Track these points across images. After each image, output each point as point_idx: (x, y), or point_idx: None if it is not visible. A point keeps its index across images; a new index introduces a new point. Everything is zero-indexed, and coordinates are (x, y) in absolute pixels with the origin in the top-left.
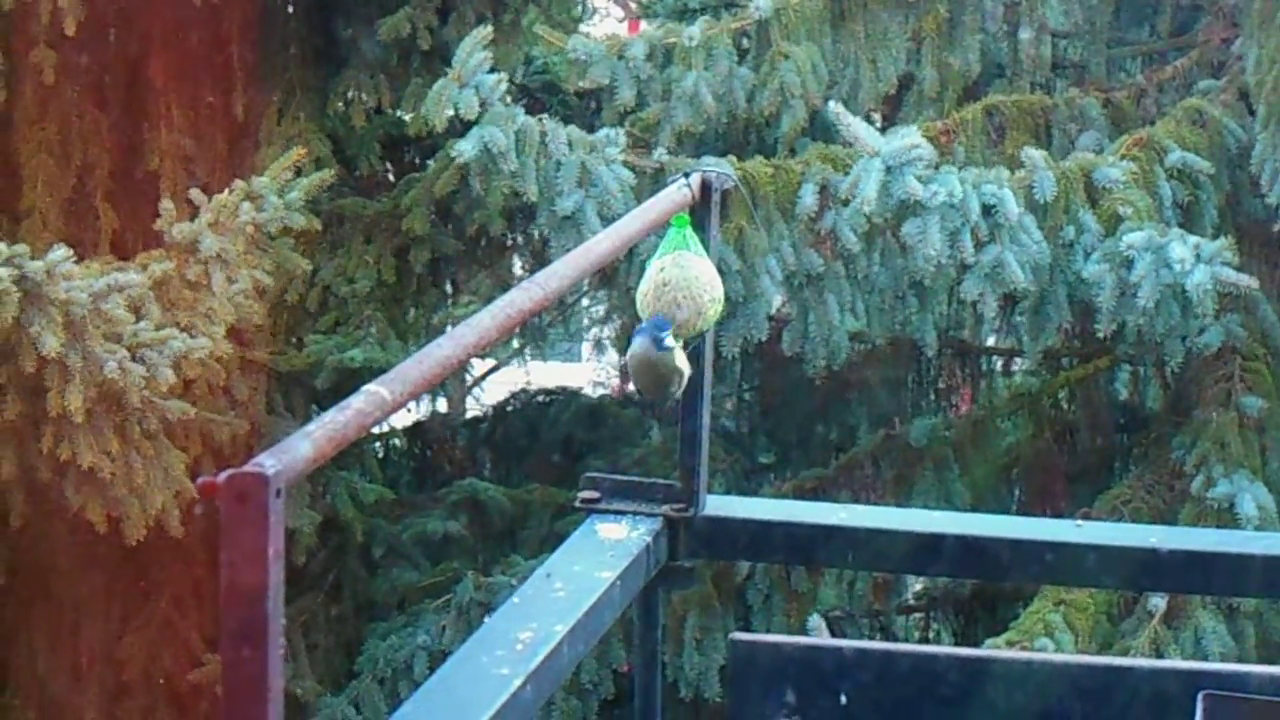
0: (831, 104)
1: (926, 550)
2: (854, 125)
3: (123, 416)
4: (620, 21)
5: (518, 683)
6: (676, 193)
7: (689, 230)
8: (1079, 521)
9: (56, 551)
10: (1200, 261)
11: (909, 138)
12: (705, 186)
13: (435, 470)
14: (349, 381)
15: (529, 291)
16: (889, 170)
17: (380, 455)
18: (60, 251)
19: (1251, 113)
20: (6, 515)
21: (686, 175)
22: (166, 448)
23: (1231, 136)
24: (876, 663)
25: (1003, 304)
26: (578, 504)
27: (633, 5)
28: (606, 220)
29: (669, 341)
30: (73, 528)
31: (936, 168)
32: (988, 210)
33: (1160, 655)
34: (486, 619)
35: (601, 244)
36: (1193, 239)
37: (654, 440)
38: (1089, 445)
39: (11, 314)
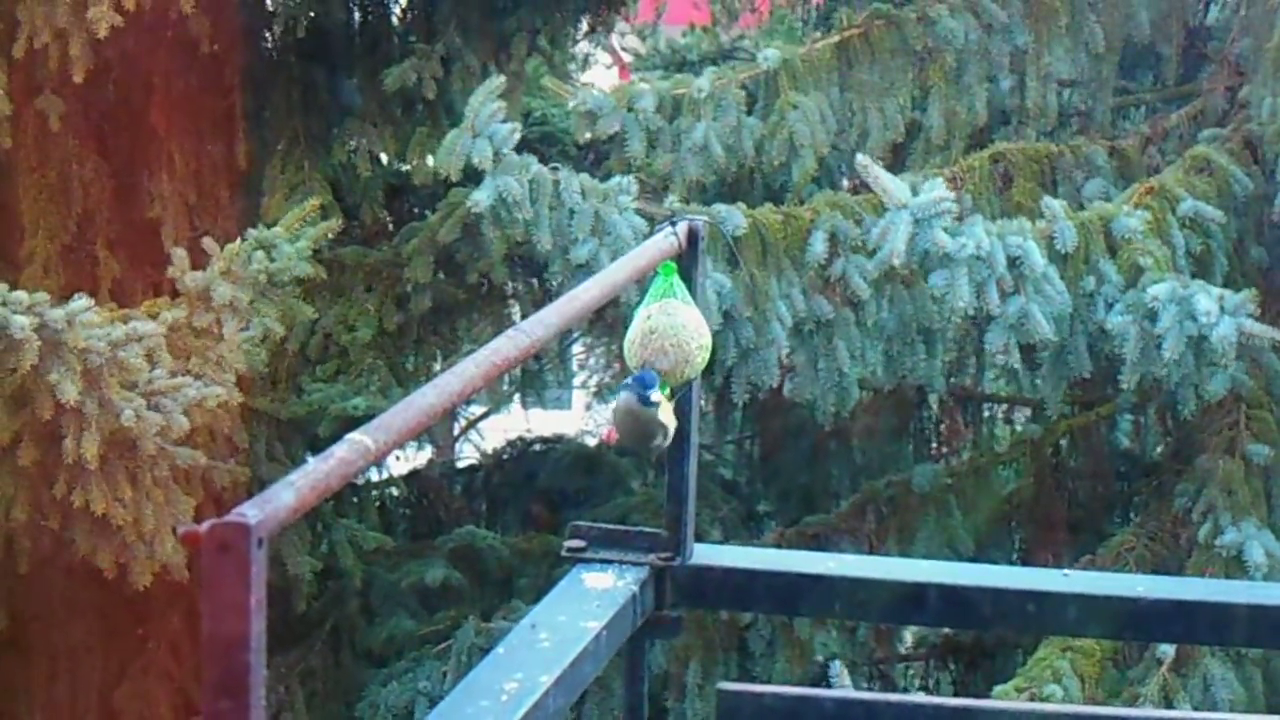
0: (859, 156)
1: (911, 600)
2: (882, 178)
3: (136, 463)
4: (609, 69)
5: None
6: (663, 241)
7: (675, 278)
8: (1067, 571)
9: (57, 598)
10: (1225, 313)
11: (936, 190)
12: (691, 234)
13: (432, 518)
14: (349, 430)
15: (515, 340)
16: (917, 222)
17: (377, 503)
18: (81, 301)
19: (1257, 161)
20: (14, 560)
21: (673, 223)
22: (176, 495)
23: (1238, 184)
24: (861, 714)
25: (1020, 351)
26: (564, 553)
27: (624, 55)
28: None
29: (655, 397)
30: (74, 574)
31: (961, 219)
32: (1013, 261)
33: (1169, 702)
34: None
35: (589, 292)
36: (1216, 290)
37: (650, 488)
38: (1090, 493)
39: (30, 361)
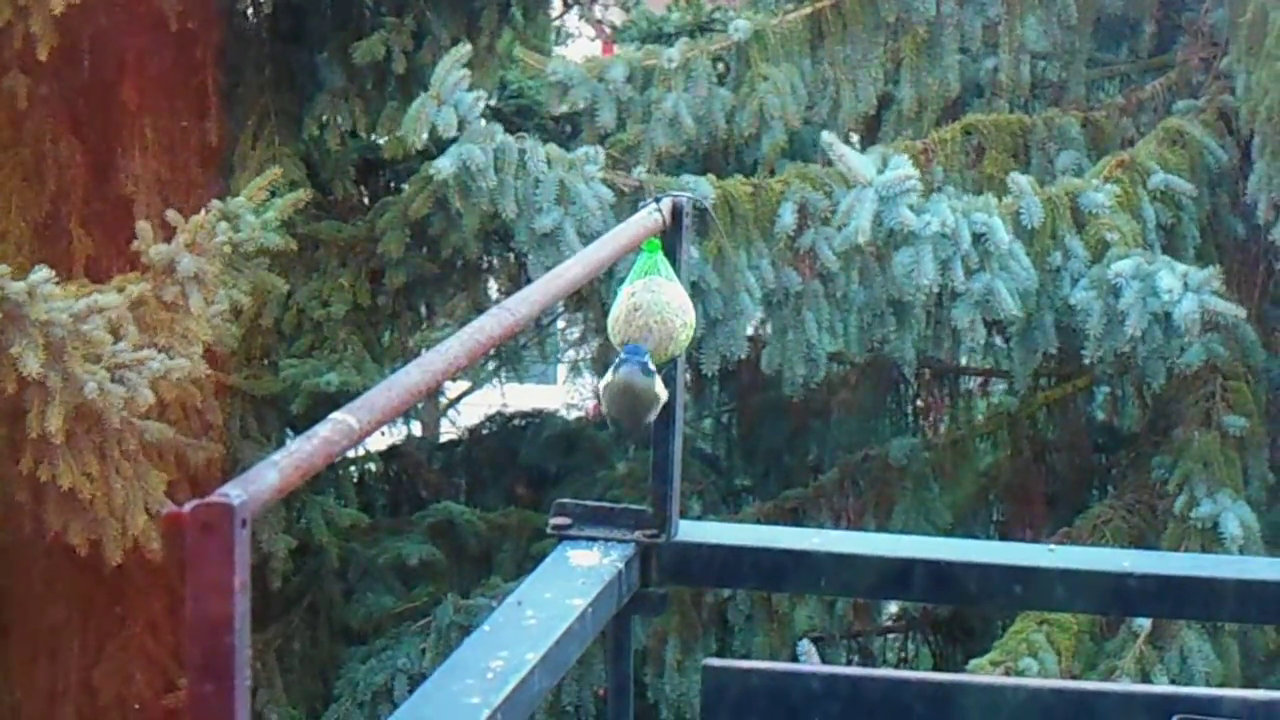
0: (825, 134)
1: (897, 577)
2: (847, 155)
3: (102, 437)
4: (592, 41)
5: (488, 712)
6: (647, 218)
7: (660, 255)
8: (1052, 546)
9: (32, 576)
10: (1188, 290)
11: (901, 168)
12: (676, 211)
13: (410, 494)
14: (324, 406)
15: (499, 317)
16: (882, 200)
17: (355, 479)
18: (42, 272)
19: (1231, 132)
20: None
21: (657, 200)
22: (146, 469)
23: (1211, 156)
24: (847, 690)
25: (987, 326)
26: (549, 530)
27: (607, 29)
28: (585, 238)
29: (651, 365)
30: (49, 552)
31: (927, 195)
32: (978, 238)
33: (1146, 674)
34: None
35: (572, 269)
36: (1181, 267)
37: (630, 463)
38: (1067, 465)
39: None
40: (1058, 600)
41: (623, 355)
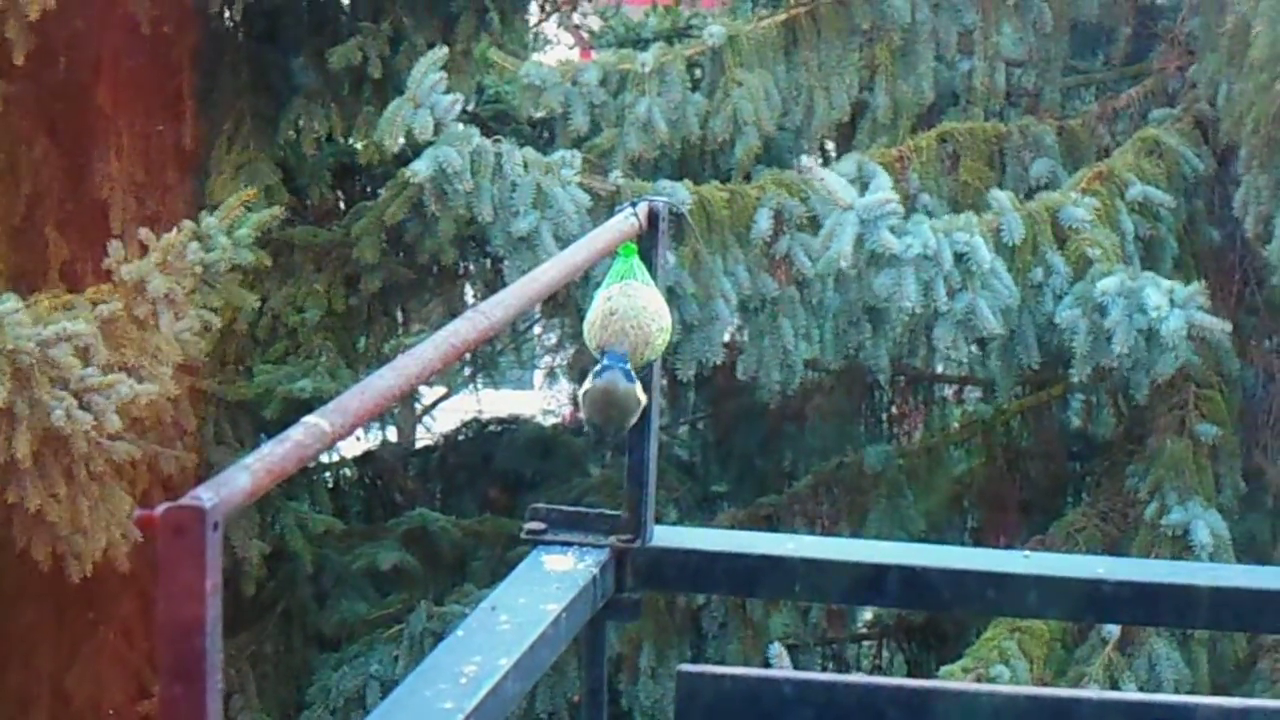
0: (804, 159)
1: (871, 582)
2: (828, 179)
3: (70, 460)
4: (571, 49)
5: (460, 717)
6: (623, 222)
7: (636, 259)
8: (1027, 552)
9: (3, 581)
10: (1175, 306)
11: (882, 191)
12: (652, 216)
13: (385, 500)
14: (298, 412)
15: (473, 321)
16: (863, 223)
17: (330, 485)
18: (9, 302)
19: (1207, 140)
20: None
21: (633, 204)
22: (112, 489)
23: (1188, 165)
24: (821, 696)
25: (968, 342)
26: (523, 535)
27: (584, 34)
28: (562, 242)
29: (633, 373)
30: (19, 560)
31: (908, 215)
32: (960, 258)
33: (1115, 681)
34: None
35: (548, 273)
36: (1166, 283)
37: (606, 469)
38: (1041, 472)
39: None
40: (1031, 606)
41: (604, 362)
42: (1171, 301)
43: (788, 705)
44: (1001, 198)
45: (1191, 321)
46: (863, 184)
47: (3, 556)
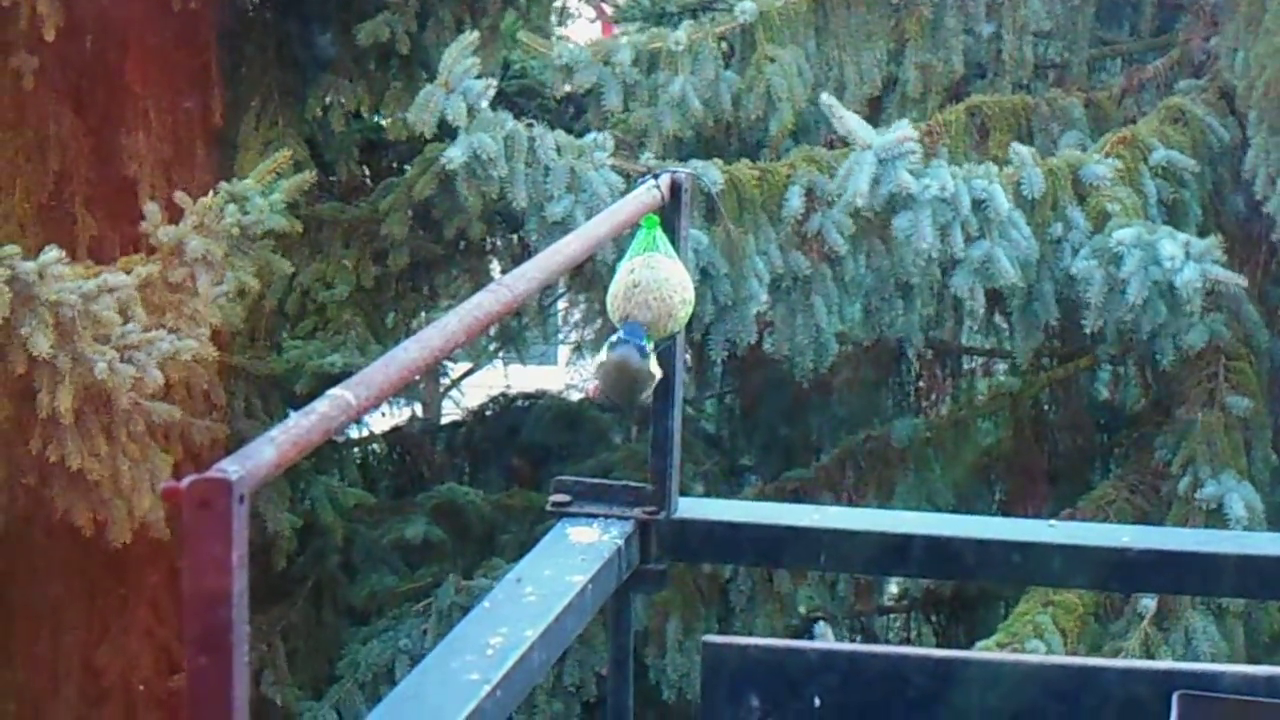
0: (824, 96)
1: (895, 551)
2: (846, 118)
3: (110, 418)
4: (592, 22)
5: (488, 688)
6: (646, 194)
7: (659, 231)
8: (1052, 522)
9: (36, 556)
10: (1190, 259)
11: (901, 131)
12: (675, 187)
13: (414, 475)
14: (329, 386)
15: (496, 294)
16: (881, 163)
17: (359, 460)
18: (52, 253)
19: (1233, 111)
20: None
21: (656, 176)
22: (153, 450)
23: (1214, 135)
24: (845, 665)
25: (988, 302)
26: (549, 507)
27: (607, 8)
28: None
29: (649, 348)
30: (54, 532)
31: (927, 161)
32: (978, 205)
33: (1151, 655)
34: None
35: (571, 245)
36: (1182, 236)
37: (631, 443)
38: (1069, 445)
39: (3, 314)
40: (1056, 574)
41: (619, 336)
42: (1187, 254)
43: (812, 675)
44: (1023, 152)
45: (1207, 274)
46: None
47: (35, 529)
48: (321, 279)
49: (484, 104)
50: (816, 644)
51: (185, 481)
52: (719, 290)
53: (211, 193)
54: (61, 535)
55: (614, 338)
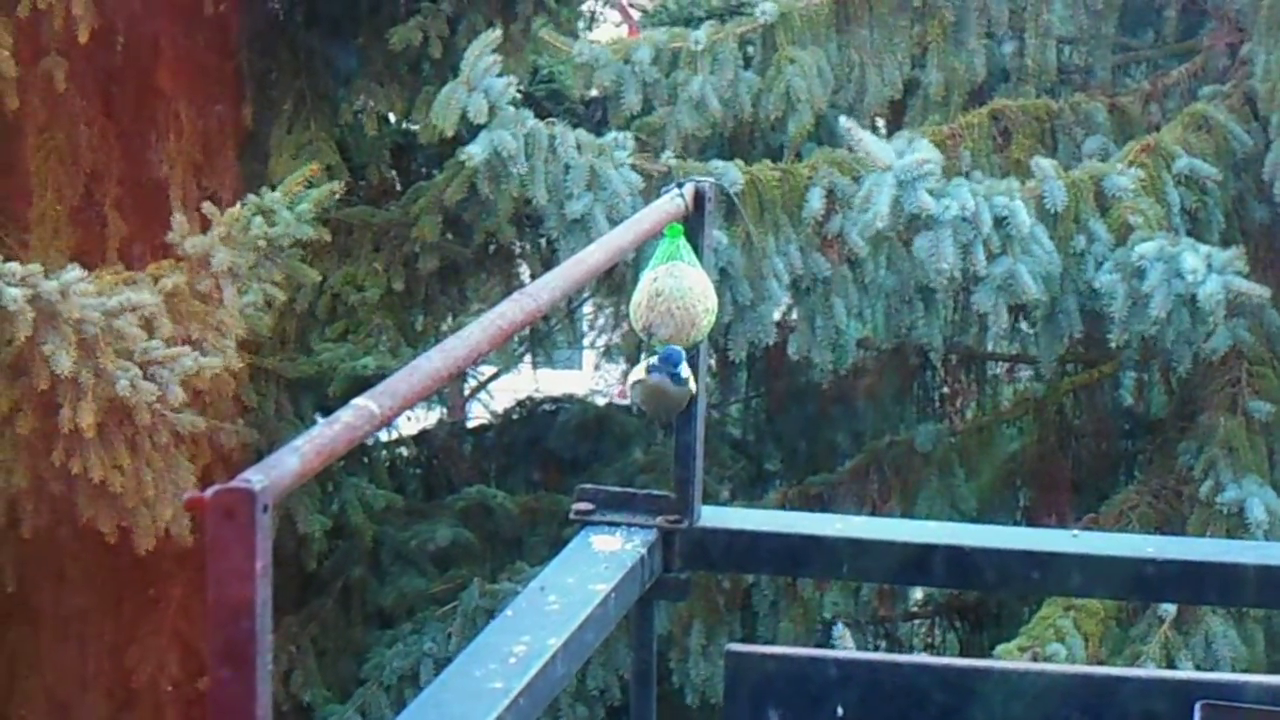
0: (843, 119)
1: (915, 562)
2: (865, 140)
3: (134, 431)
4: (618, 26)
5: (510, 697)
6: (669, 203)
7: (682, 240)
8: (1075, 532)
9: (65, 560)
10: (1212, 271)
11: (920, 152)
12: (698, 197)
13: (442, 478)
14: (359, 389)
15: (520, 303)
16: (900, 185)
17: (388, 463)
18: (74, 272)
19: (1257, 117)
20: (17, 525)
21: (679, 185)
22: (176, 460)
23: (1237, 141)
24: (868, 675)
25: (1011, 312)
26: (572, 516)
27: (634, 12)
28: (615, 223)
29: (684, 373)
30: (81, 536)
31: (947, 178)
32: (999, 222)
33: (1171, 659)
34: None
35: (594, 255)
36: (1204, 249)
37: (659, 448)
38: (1093, 451)
39: (25, 333)
40: (1075, 587)
41: (656, 362)
42: (1209, 266)
43: (834, 684)
44: (1045, 165)
45: (1229, 286)
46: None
47: (63, 531)
48: (352, 282)
49: (505, 102)
50: (839, 654)
51: (209, 492)
52: (738, 291)
53: (239, 204)
54: (90, 538)
55: (650, 362)
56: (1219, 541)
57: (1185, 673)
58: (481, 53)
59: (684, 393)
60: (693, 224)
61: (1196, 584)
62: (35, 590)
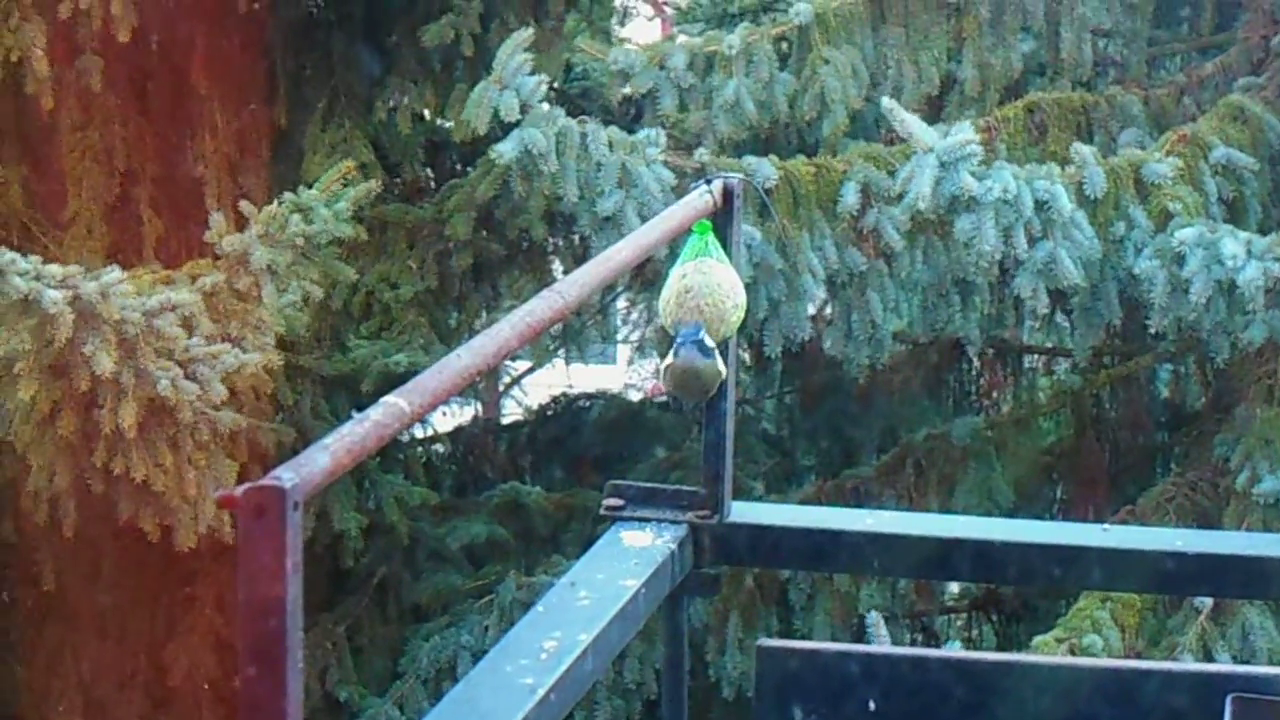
0: (885, 100)
1: (943, 557)
2: (908, 121)
3: (175, 430)
4: (650, 20)
5: (541, 692)
6: (698, 199)
7: (710, 237)
8: (1106, 526)
9: (103, 558)
10: (1252, 257)
11: (963, 133)
12: (727, 193)
13: (477, 474)
14: (395, 385)
15: (549, 300)
16: (943, 165)
17: (423, 460)
18: (114, 273)
19: None
20: (58, 524)
21: (708, 181)
22: (218, 458)
23: (1273, 133)
24: (899, 669)
25: (1050, 301)
26: (602, 511)
27: (667, 9)
28: (647, 221)
29: (709, 343)
30: (120, 535)
31: (989, 162)
32: (1040, 206)
33: (1208, 651)
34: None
35: (622, 252)
36: (1244, 235)
37: (694, 442)
38: (1131, 443)
39: (66, 335)
40: (1096, 582)
41: (680, 338)
42: (1249, 252)
43: (865, 679)
44: (1085, 151)
45: (1269, 272)
46: None
47: (103, 532)
48: (386, 280)
49: (537, 100)
50: (870, 649)
51: (240, 490)
52: (773, 286)
53: (276, 203)
54: (128, 537)
55: (676, 342)
56: (1249, 535)
57: (1218, 665)
58: (513, 51)
59: (713, 365)
60: (721, 220)
61: (1220, 578)
62: (74, 588)
